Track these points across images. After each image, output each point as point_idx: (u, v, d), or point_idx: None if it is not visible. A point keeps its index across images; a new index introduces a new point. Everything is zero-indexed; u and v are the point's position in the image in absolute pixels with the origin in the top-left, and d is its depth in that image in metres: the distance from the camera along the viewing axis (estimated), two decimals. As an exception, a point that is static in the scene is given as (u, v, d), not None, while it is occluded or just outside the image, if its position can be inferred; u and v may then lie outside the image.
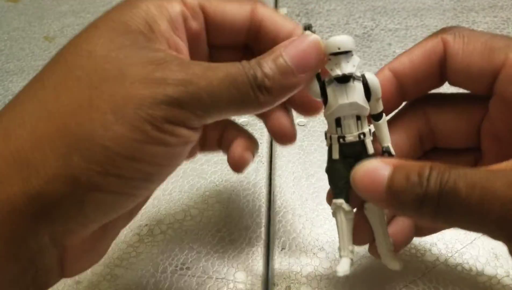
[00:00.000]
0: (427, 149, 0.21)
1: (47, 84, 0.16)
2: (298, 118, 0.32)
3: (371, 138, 0.20)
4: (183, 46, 0.19)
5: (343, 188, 0.20)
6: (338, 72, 0.18)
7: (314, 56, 0.18)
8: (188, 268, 0.25)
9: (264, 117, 0.22)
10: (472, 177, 0.15)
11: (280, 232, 0.26)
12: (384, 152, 0.20)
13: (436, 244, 0.25)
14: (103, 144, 0.15)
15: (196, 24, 0.19)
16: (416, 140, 0.21)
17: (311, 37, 0.18)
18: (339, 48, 0.18)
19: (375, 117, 0.20)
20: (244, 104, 0.17)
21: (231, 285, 0.24)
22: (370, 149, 0.19)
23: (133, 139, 0.16)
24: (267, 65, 0.17)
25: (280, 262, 0.25)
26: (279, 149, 0.31)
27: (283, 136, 0.22)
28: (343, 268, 0.19)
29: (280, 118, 0.21)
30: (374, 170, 0.16)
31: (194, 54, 0.20)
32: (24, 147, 0.15)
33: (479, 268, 0.24)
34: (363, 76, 0.19)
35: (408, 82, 0.20)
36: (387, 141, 0.20)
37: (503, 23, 0.40)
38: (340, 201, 0.20)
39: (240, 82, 0.17)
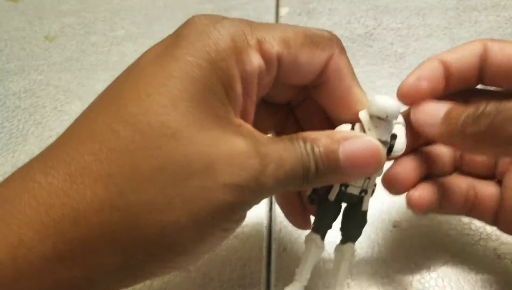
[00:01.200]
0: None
1: (121, 164, 0.14)
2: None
3: (371, 196, 0.20)
4: (251, 109, 0.17)
5: (326, 226, 0.20)
6: (375, 135, 0.18)
7: (372, 165, 0.17)
8: (189, 270, 0.24)
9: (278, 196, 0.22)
10: None
11: (282, 233, 0.26)
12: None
13: (439, 245, 0.25)
14: (170, 247, 0.15)
15: (267, 79, 0.17)
16: None
17: (375, 142, 0.17)
18: (387, 117, 0.17)
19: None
20: (291, 187, 0.17)
21: (232, 287, 0.24)
22: (365, 206, 0.20)
23: (199, 241, 0.15)
24: (319, 152, 0.16)
25: (281, 264, 0.25)
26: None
27: (294, 221, 0.23)
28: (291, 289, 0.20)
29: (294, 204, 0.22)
30: (429, 106, 0.18)
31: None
32: (93, 235, 0.14)
33: (483, 268, 0.24)
34: (391, 146, 0.18)
35: (453, 74, 0.20)
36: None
37: (506, 22, 0.40)
38: (316, 236, 0.20)
39: (298, 175, 0.16)
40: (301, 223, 0.23)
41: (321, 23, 0.41)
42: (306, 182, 0.16)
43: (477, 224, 0.26)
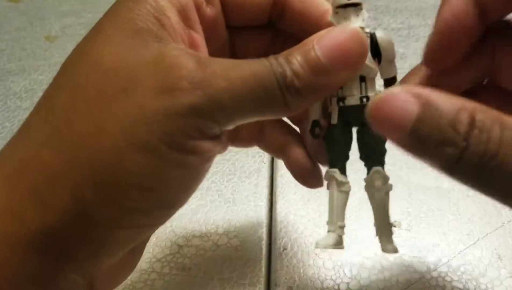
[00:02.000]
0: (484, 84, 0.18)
1: (56, 104, 0.15)
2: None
3: None
4: (199, 38, 0.17)
5: (340, 157, 0.18)
6: (351, 23, 0.16)
7: (354, 50, 0.15)
8: (189, 269, 0.24)
9: (283, 154, 0.20)
10: None
11: (282, 233, 0.26)
12: None
13: (439, 245, 0.25)
14: (115, 177, 0.13)
15: (211, 9, 0.17)
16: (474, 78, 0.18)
17: (349, 27, 0.15)
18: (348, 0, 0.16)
19: (386, 83, 0.17)
20: (271, 106, 0.15)
21: (232, 286, 0.24)
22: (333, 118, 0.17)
23: (148, 166, 0.14)
24: (296, 61, 0.14)
25: (282, 263, 0.25)
26: (280, 149, 0.31)
27: (303, 176, 0.20)
28: (325, 241, 0.17)
29: (298, 155, 0.19)
30: (398, 103, 0.13)
31: (211, 42, 0.18)
32: (38, 181, 0.14)
33: (482, 269, 0.24)
34: (372, 34, 0.17)
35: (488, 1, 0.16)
36: None
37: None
38: (334, 170, 0.18)
39: (267, 81, 0.14)
40: (315, 183, 0.20)
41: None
42: (288, 92, 0.14)
43: (476, 223, 0.26)
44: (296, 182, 0.28)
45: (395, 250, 0.18)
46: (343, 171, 0.18)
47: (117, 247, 0.15)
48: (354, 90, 0.17)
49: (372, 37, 0.17)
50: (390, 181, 0.18)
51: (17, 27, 0.44)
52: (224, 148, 0.20)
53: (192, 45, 0.16)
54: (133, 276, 0.24)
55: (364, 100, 0.17)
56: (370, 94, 0.17)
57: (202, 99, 0.14)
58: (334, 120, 0.18)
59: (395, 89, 0.13)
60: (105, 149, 0.13)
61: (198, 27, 0.17)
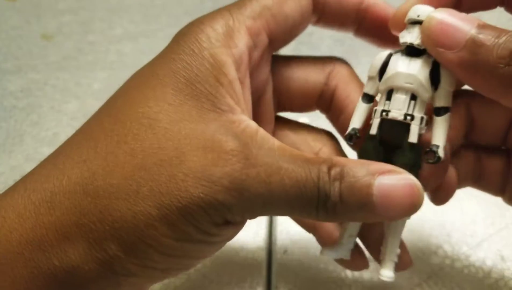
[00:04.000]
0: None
1: (99, 150, 0.15)
2: (300, 118, 0.31)
3: (423, 129, 0.16)
4: (246, 89, 0.17)
5: None
6: (407, 39, 0.16)
7: (407, 204, 0.15)
8: (188, 271, 0.24)
9: (314, 230, 0.20)
10: None
11: (283, 235, 0.26)
12: (428, 151, 0.16)
13: (442, 246, 0.25)
14: (143, 240, 0.14)
15: (258, 52, 0.17)
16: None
17: (413, 180, 0.15)
18: (418, 16, 0.16)
19: (437, 111, 0.16)
20: (300, 214, 0.15)
21: (232, 288, 0.23)
22: (413, 137, 0.16)
23: (174, 239, 0.14)
24: (346, 189, 0.14)
25: (282, 266, 0.24)
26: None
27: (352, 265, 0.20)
28: (331, 252, 0.19)
29: (332, 231, 0.20)
30: (458, 18, 0.15)
31: (253, 82, 0.18)
32: (67, 220, 0.14)
33: (486, 270, 0.24)
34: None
35: None
36: (440, 141, 0.16)
37: (509, 20, 0.39)
38: None
39: (306, 197, 0.14)
40: (359, 264, 0.20)
41: (322, 21, 0.41)
42: (324, 211, 0.15)
43: (479, 224, 0.26)
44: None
45: (391, 278, 0.18)
46: None
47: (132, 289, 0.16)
48: (401, 105, 0.16)
49: (435, 61, 0.16)
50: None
51: (13, 25, 0.43)
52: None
53: (239, 101, 0.16)
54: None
55: (408, 118, 0.16)
56: (416, 114, 0.16)
57: (236, 200, 0.14)
58: (374, 130, 0.17)
59: (449, 10, 0.15)
60: (138, 212, 0.14)
61: (247, 75, 0.17)
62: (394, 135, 0.17)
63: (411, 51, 0.16)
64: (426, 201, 0.26)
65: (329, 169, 0.15)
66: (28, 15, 0.44)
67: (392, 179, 0.15)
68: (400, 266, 0.19)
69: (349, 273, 0.24)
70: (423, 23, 0.16)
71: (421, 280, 0.23)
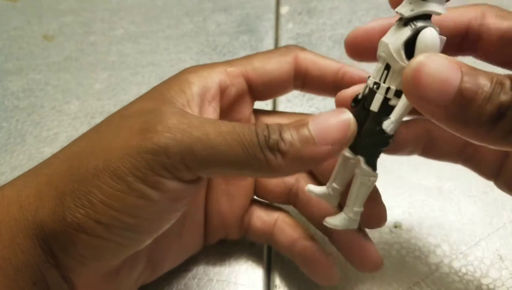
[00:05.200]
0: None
1: (78, 142, 0.19)
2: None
3: (394, 100, 0.16)
4: (212, 110, 0.19)
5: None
6: (399, 8, 0.16)
7: (340, 133, 0.16)
8: (188, 270, 0.24)
9: (337, 242, 0.22)
10: None
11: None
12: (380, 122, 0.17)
13: (440, 246, 0.25)
14: (89, 190, 0.16)
15: (234, 90, 0.20)
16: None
17: (345, 115, 0.17)
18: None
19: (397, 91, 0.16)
20: (251, 164, 0.16)
21: (232, 287, 0.24)
22: (374, 106, 0.17)
23: (115, 189, 0.16)
24: (288, 130, 0.16)
25: (281, 265, 0.24)
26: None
27: (364, 262, 0.21)
28: (336, 221, 0.19)
29: (355, 241, 0.21)
30: (442, 66, 0.13)
31: (236, 117, 0.21)
32: (43, 181, 0.17)
33: (484, 269, 0.24)
34: (417, 29, 0.16)
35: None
36: (393, 116, 0.16)
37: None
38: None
39: (246, 139, 0.16)
40: (325, 277, 0.22)
41: (322, 22, 0.41)
42: (273, 155, 0.16)
43: (477, 224, 0.26)
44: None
45: (333, 226, 0.19)
46: (351, 148, 0.18)
47: (88, 254, 0.17)
48: (376, 74, 0.17)
49: (415, 31, 0.16)
50: (372, 178, 0.18)
51: (14, 26, 0.44)
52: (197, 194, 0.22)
53: (203, 113, 0.19)
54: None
55: (375, 86, 0.17)
56: (382, 84, 0.16)
57: (170, 142, 0.16)
58: (360, 95, 0.18)
59: (432, 54, 0.14)
60: (88, 166, 0.16)
61: (217, 102, 0.20)
62: (368, 102, 0.17)
63: (401, 21, 0.16)
64: (424, 201, 0.27)
65: (268, 125, 0.17)
66: (29, 16, 0.45)
67: (325, 114, 0.17)
68: (372, 222, 0.20)
69: (347, 270, 0.24)
70: (406, 69, 0.14)
71: (419, 279, 0.23)
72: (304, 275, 0.24)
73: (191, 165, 0.16)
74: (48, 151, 0.31)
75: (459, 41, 0.18)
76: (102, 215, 0.16)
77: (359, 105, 0.18)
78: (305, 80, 0.21)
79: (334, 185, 0.19)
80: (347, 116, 0.17)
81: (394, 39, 0.16)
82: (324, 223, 0.19)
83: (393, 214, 0.26)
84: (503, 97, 0.13)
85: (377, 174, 0.18)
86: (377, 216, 0.20)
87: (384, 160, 0.29)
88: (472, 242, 0.25)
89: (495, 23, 0.17)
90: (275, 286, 0.24)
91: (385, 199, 0.27)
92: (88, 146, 0.17)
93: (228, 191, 0.23)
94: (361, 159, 0.18)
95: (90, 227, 0.16)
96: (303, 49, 0.21)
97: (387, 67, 0.16)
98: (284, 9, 0.43)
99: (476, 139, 0.14)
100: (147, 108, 0.17)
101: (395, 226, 0.26)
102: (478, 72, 0.13)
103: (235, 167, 0.16)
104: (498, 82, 0.13)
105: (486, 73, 0.13)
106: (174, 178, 0.16)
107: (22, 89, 0.37)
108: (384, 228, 0.26)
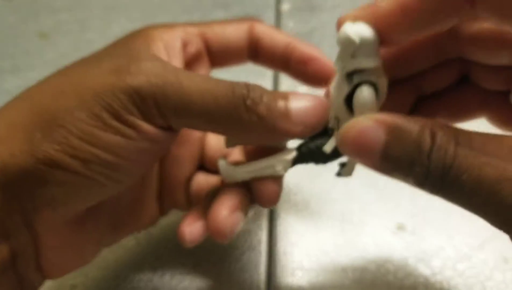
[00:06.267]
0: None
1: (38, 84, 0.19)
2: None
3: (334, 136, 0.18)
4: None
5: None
6: (336, 65, 0.17)
7: (317, 119, 0.17)
8: (188, 273, 0.24)
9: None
10: (479, 172, 0.14)
11: (282, 236, 0.25)
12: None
13: (444, 248, 0.24)
14: (62, 125, 0.16)
15: (193, 48, 0.21)
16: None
17: (325, 103, 0.17)
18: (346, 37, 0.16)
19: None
20: (222, 119, 0.16)
21: (232, 287, 0.23)
22: (328, 147, 0.18)
23: (90, 125, 0.16)
24: (270, 97, 0.17)
25: (283, 267, 0.24)
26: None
27: (268, 200, 0.20)
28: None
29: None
30: (366, 131, 0.15)
31: None
32: (4, 122, 0.17)
33: (488, 272, 0.23)
34: (354, 86, 0.16)
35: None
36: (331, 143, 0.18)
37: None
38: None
39: (220, 93, 0.16)
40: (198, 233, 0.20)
41: (323, 19, 0.40)
42: (247, 110, 0.16)
43: (482, 226, 0.25)
44: (297, 184, 0.28)
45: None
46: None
47: (60, 193, 0.16)
48: (330, 121, 0.18)
49: (353, 89, 0.16)
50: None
51: (9, 24, 0.43)
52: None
53: None
54: (136, 275, 0.24)
55: (331, 132, 0.18)
56: (336, 131, 0.18)
57: (144, 83, 0.16)
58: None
59: (361, 119, 0.15)
60: (59, 104, 0.16)
61: (178, 60, 0.20)
62: (325, 140, 0.19)
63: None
64: (428, 203, 0.26)
65: (248, 85, 0.17)
66: (25, 14, 0.44)
67: (306, 96, 0.17)
68: (264, 199, 0.19)
69: (350, 274, 0.24)
70: (339, 136, 0.15)
71: (422, 282, 0.23)
72: (305, 277, 0.24)
73: (164, 110, 0.16)
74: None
75: (438, 52, 0.19)
76: (79, 150, 0.16)
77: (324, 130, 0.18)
78: (257, 51, 0.22)
79: (334, 119, 0.19)
80: (326, 105, 0.17)
81: (336, 94, 0.17)
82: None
83: (396, 215, 0.26)
84: (418, 169, 0.14)
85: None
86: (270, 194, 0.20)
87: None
88: (476, 244, 0.25)
89: (468, 28, 0.18)
90: (275, 286, 0.23)
91: (388, 200, 0.26)
92: (57, 86, 0.17)
93: (176, 155, 0.22)
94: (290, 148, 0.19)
95: (66, 162, 0.16)
96: (260, 21, 0.22)
97: (337, 119, 0.18)
98: (285, 6, 0.42)
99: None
100: (117, 53, 0.18)
101: (398, 228, 0.26)
102: (402, 132, 0.14)
103: (206, 120, 0.16)
104: (417, 147, 0.14)
105: (409, 132, 0.14)
106: (148, 121, 0.16)
107: (18, 87, 0.36)
108: (387, 230, 0.25)
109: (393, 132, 0.14)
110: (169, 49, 0.19)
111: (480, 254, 0.24)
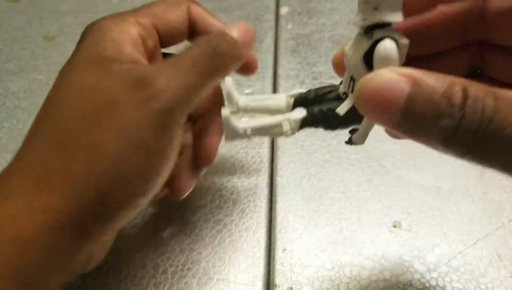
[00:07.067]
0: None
1: (56, 123, 0.19)
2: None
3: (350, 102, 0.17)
4: (144, 61, 0.21)
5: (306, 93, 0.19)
6: (353, 18, 0.15)
7: (251, 39, 0.21)
8: (189, 269, 0.24)
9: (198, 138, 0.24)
10: None
11: (282, 233, 0.26)
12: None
13: (439, 245, 0.25)
14: (123, 170, 0.18)
15: (151, 43, 0.21)
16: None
17: (251, 26, 0.21)
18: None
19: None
20: (217, 68, 0.19)
21: (232, 286, 0.24)
22: (341, 108, 0.17)
23: (144, 158, 0.18)
24: (221, 36, 0.20)
25: (282, 263, 0.25)
26: (280, 149, 0.31)
27: (207, 159, 0.23)
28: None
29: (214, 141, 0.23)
30: (388, 83, 0.13)
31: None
32: (64, 184, 0.18)
33: (482, 269, 0.24)
34: (374, 41, 0.15)
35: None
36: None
37: None
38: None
39: (200, 58, 0.19)
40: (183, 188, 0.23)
41: (321, 22, 0.41)
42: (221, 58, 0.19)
43: (476, 223, 0.26)
44: (296, 182, 0.28)
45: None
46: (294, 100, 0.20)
47: (117, 223, 0.19)
48: (344, 81, 0.18)
49: (373, 44, 0.15)
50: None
51: (16, 26, 0.44)
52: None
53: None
54: (137, 274, 0.24)
55: (344, 96, 0.18)
56: (350, 93, 0.17)
57: (167, 102, 0.18)
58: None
59: (382, 70, 0.14)
60: (111, 152, 0.18)
61: (144, 54, 0.21)
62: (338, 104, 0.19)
63: (360, 29, 0.16)
64: (423, 201, 0.27)
65: (201, 40, 0.20)
66: (30, 17, 0.45)
67: (236, 24, 0.21)
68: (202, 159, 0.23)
69: (347, 271, 0.24)
70: (356, 90, 0.14)
71: (418, 278, 0.24)
72: (303, 274, 0.24)
73: (187, 108, 0.19)
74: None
75: (461, 32, 0.18)
76: (140, 187, 0.18)
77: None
78: (192, 33, 0.23)
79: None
80: (251, 27, 0.21)
81: (353, 52, 0.16)
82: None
83: (392, 213, 0.26)
84: (447, 121, 0.13)
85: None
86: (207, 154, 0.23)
87: (384, 160, 0.29)
88: (471, 242, 0.25)
89: (497, 5, 0.16)
90: (275, 286, 0.24)
91: (384, 198, 0.27)
92: (87, 137, 0.18)
93: None
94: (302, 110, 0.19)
95: (129, 201, 0.18)
96: (193, 0, 0.23)
97: (352, 79, 0.17)
98: (283, 10, 0.43)
99: (430, 145, 0.14)
100: (115, 76, 0.19)
101: (394, 226, 0.26)
102: (428, 85, 0.13)
103: (205, 80, 0.19)
104: (446, 98, 0.13)
105: (436, 86, 0.13)
106: (180, 128, 0.19)
107: (23, 89, 0.37)
108: (383, 228, 0.26)
109: (418, 85, 0.13)
110: (136, 48, 0.20)
111: (474, 251, 0.24)
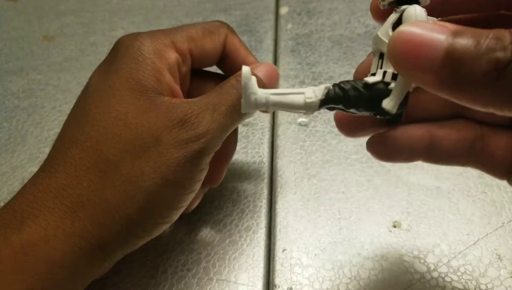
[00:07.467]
0: None
1: (92, 150, 0.20)
2: (299, 118, 0.32)
3: (390, 84, 0.16)
4: (178, 89, 0.22)
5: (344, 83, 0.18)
6: None
7: (277, 79, 0.22)
8: (188, 269, 0.24)
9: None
10: None
11: (282, 233, 0.26)
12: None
13: (439, 245, 0.25)
14: (154, 204, 0.19)
15: (185, 68, 0.22)
16: None
17: (274, 67, 0.22)
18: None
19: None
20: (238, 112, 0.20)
21: (232, 287, 0.24)
22: (370, 78, 0.17)
23: (175, 195, 0.20)
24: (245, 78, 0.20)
25: (282, 264, 0.25)
26: (280, 149, 0.31)
27: (215, 181, 0.25)
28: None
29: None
30: (427, 30, 0.12)
31: (182, 89, 0.23)
32: (97, 212, 0.19)
33: (482, 269, 0.24)
34: (402, 10, 0.16)
35: None
36: (393, 96, 0.16)
37: None
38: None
39: (236, 105, 0.20)
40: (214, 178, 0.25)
41: (321, 22, 0.41)
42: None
43: (476, 223, 0.26)
44: (296, 182, 0.28)
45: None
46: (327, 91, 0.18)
47: (138, 246, 0.21)
48: (373, 66, 0.17)
49: (401, 13, 0.16)
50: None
51: (15, 26, 0.44)
52: None
53: (175, 94, 0.21)
54: (137, 274, 0.24)
55: (371, 75, 0.17)
56: (379, 69, 0.17)
57: (206, 144, 0.20)
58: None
59: (418, 21, 0.13)
60: (147, 186, 0.19)
61: (178, 80, 0.22)
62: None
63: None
64: (423, 201, 0.27)
65: (230, 83, 0.21)
66: (30, 16, 0.45)
67: (264, 65, 0.23)
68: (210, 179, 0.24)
69: (346, 271, 0.24)
70: (388, 43, 0.13)
71: (418, 279, 0.24)
72: (303, 274, 0.24)
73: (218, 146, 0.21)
74: (48, 151, 0.32)
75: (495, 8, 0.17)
76: (167, 217, 0.20)
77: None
78: (223, 61, 0.24)
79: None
80: (276, 69, 0.22)
81: (383, 27, 0.17)
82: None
83: (391, 213, 0.26)
84: (500, 54, 0.11)
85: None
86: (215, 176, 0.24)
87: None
88: (471, 242, 0.25)
89: None
90: (275, 286, 0.24)
91: (384, 198, 0.27)
92: (128, 169, 0.19)
93: None
94: (327, 86, 0.18)
95: (155, 230, 0.20)
96: (231, 30, 0.24)
97: (381, 56, 0.17)
98: (283, 10, 0.43)
99: (477, 105, 0.12)
100: (157, 112, 0.20)
101: (394, 226, 0.26)
102: (468, 30, 0.12)
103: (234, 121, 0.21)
104: (494, 37, 0.11)
105: (480, 30, 0.12)
106: (208, 165, 0.21)
107: (23, 89, 0.37)
108: (383, 228, 0.26)
109: (460, 32, 0.12)
110: (173, 75, 0.21)
111: (474, 251, 0.24)
